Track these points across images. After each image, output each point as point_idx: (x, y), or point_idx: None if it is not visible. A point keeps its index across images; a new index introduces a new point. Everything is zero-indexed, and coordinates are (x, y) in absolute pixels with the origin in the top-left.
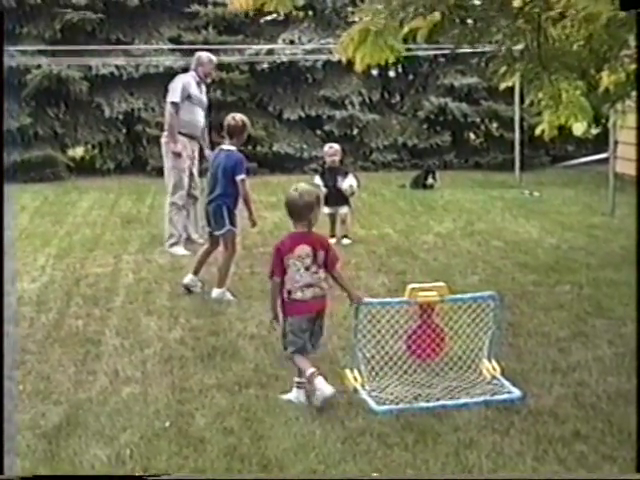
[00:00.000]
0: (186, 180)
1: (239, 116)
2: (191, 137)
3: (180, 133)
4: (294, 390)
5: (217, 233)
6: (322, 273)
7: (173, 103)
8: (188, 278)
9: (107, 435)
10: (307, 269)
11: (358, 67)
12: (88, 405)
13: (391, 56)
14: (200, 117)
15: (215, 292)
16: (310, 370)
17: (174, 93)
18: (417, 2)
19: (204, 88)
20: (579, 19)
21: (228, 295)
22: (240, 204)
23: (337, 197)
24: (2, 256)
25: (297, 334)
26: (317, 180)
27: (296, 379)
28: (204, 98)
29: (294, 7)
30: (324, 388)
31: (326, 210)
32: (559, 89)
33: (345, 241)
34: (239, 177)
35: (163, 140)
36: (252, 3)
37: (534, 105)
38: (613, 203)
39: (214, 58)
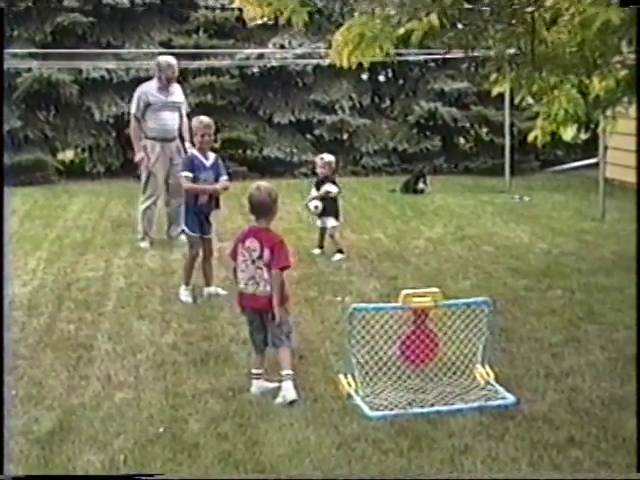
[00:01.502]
0: (157, 181)
1: (198, 118)
2: (163, 140)
3: (151, 138)
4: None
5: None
6: (266, 273)
7: (130, 114)
8: (205, 291)
9: (100, 441)
10: (253, 262)
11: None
12: (81, 410)
13: (380, 55)
14: (170, 120)
15: (206, 290)
16: (254, 370)
17: (132, 105)
18: (413, 4)
19: (174, 89)
20: (574, 25)
21: (185, 294)
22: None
23: (326, 209)
24: (2, 257)
25: (248, 327)
26: (314, 192)
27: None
28: (174, 98)
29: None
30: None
31: (318, 223)
32: (551, 86)
33: (337, 257)
34: (180, 174)
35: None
36: (267, 12)
37: (524, 102)
38: (603, 208)
39: (173, 61)
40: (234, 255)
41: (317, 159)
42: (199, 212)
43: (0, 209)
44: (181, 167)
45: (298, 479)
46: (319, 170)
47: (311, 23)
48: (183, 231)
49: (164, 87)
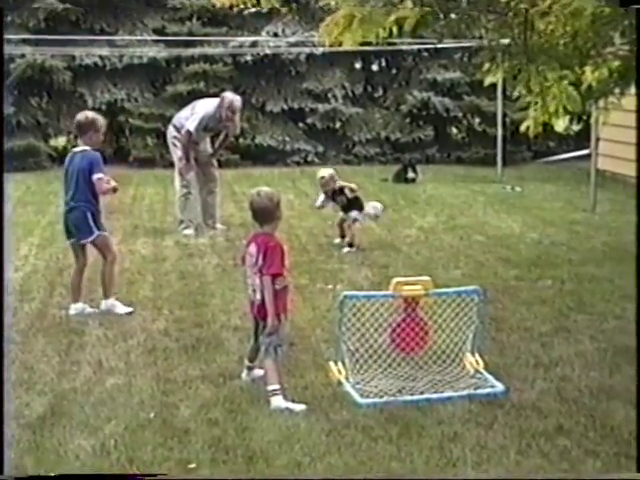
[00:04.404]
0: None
1: (88, 113)
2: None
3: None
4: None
5: (84, 241)
6: (258, 279)
7: (189, 131)
8: (73, 309)
9: (92, 426)
10: (252, 268)
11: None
12: (72, 395)
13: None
14: (206, 144)
15: (104, 304)
16: (246, 361)
17: (192, 122)
18: None
19: (236, 121)
20: (565, 15)
21: (119, 306)
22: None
23: (346, 208)
24: (2, 247)
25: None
26: (321, 202)
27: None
28: (229, 128)
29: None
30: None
31: (341, 215)
32: (546, 79)
33: (345, 249)
34: (95, 176)
35: (170, 134)
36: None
37: (520, 98)
38: (594, 199)
39: (237, 103)
40: (243, 260)
41: (318, 178)
42: (98, 213)
43: (0, 196)
44: (96, 169)
45: (298, 479)
46: (324, 188)
47: (297, 10)
48: (99, 235)
49: (222, 119)
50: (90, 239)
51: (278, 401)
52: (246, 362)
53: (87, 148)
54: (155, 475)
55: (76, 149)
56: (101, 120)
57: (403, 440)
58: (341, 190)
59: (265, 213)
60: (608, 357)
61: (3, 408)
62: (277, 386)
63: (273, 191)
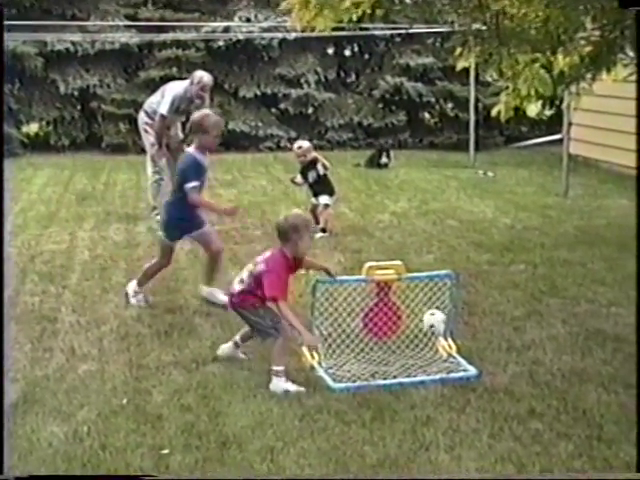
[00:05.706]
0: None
1: (201, 112)
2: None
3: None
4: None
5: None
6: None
7: (162, 116)
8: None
9: (64, 412)
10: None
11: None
12: (45, 382)
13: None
14: (177, 128)
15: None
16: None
17: (164, 105)
18: None
19: (206, 99)
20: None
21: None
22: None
23: (316, 189)
24: (2, 238)
25: None
26: (299, 179)
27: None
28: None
29: None
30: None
31: (312, 201)
32: (518, 62)
33: (318, 235)
34: (187, 186)
35: (141, 120)
36: None
37: (488, 76)
38: (566, 184)
39: (206, 79)
40: None
41: (295, 148)
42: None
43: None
44: (189, 177)
45: (296, 479)
46: (299, 159)
47: None
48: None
49: (193, 98)
50: (164, 242)
51: (278, 383)
52: (237, 337)
53: (190, 150)
54: (155, 475)
55: (187, 149)
56: (213, 120)
57: (376, 424)
58: (314, 163)
59: (278, 232)
60: (580, 341)
61: (3, 407)
62: (281, 367)
63: (298, 214)
